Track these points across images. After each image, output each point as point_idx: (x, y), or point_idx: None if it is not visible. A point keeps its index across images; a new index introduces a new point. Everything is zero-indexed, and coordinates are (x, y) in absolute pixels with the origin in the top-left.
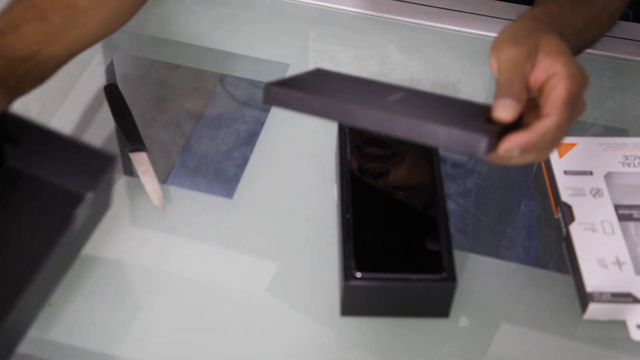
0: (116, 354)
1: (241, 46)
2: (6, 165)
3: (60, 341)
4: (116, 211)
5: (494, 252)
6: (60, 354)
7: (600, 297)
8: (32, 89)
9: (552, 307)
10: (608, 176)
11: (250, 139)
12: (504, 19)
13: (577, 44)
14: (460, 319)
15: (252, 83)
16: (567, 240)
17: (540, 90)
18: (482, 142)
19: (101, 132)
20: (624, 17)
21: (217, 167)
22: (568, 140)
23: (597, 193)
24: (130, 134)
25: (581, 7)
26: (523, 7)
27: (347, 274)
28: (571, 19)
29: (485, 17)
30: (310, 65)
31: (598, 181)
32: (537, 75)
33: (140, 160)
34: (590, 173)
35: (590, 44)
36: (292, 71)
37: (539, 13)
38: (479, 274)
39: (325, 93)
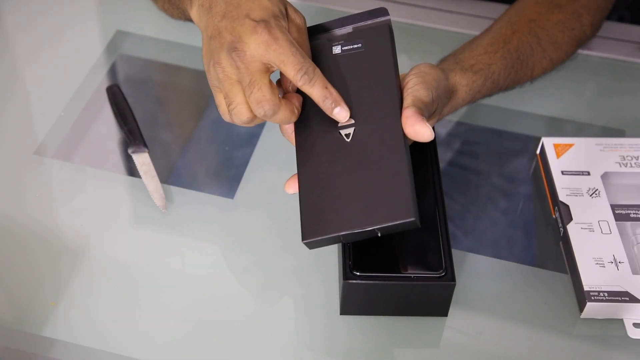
0: (118, 351)
1: None
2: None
3: (63, 340)
4: (118, 211)
5: (493, 251)
6: (62, 352)
7: (598, 296)
8: None
9: (549, 305)
10: (605, 176)
11: (250, 139)
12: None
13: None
14: (459, 317)
15: None
16: (565, 239)
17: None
18: None
19: (103, 132)
20: (621, 19)
21: (218, 167)
22: (566, 140)
23: (594, 193)
24: (132, 135)
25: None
26: None
27: (346, 273)
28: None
29: (479, 18)
30: None
31: (595, 181)
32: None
33: (142, 161)
34: (588, 173)
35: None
36: None
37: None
38: (478, 273)
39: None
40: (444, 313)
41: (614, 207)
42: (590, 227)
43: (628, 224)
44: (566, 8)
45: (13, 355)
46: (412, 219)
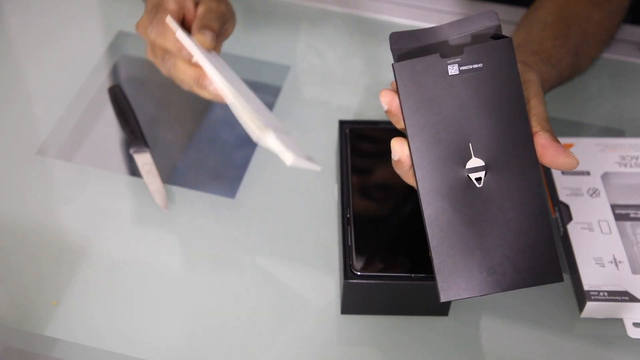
0: (119, 351)
1: (243, 48)
2: None
3: (64, 339)
4: (120, 211)
5: None
6: (63, 352)
7: (598, 296)
8: None
9: (550, 305)
10: (605, 176)
11: (251, 139)
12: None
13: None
14: (459, 317)
15: (253, 85)
16: (565, 239)
17: None
18: None
19: (105, 132)
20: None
21: (219, 167)
22: (566, 140)
23: (594, 193)
24: (133, 135)
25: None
26: (519, 10)
27: (347, 273)
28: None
29: None
30: (311, 67)
31: (595, 181)
32: None
33: (144, 161)
34: (588, 173)
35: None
36: (293, 73)
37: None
38: None
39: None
40: (445, 312)
41: (613, 207)
42: (590, 227)
43: (628, 223)
44: (604, 7)
45: (15, 354)
46: (560, 280)
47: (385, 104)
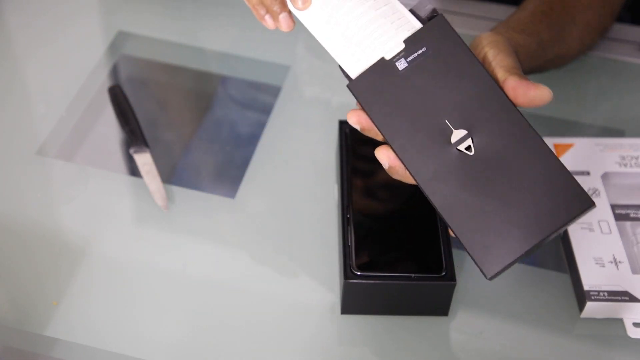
0: (119, 351)
1: (243, 48)
2: None
3: (64, 339)
4: (120, 211)
5: None
6: (63, 352)
7: (597, 296)
8: None
9: (549, 305)
10: (605, 176)
11: (251, 139)
12: (494, 19)
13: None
14: (459, 317)
15: (253, 85)
16: (565, 239)
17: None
18: None
19: (105, 132)
20: (621, 19)
21: (220, 167)
22: (566, 141)
23: (594, 193)
24: (133, 135)
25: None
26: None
27: (347, 273)
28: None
29: (477, 17)
30: (311, 67)
31: (595, 181)
32: None
33: (144, 161)
34: (588, 173)
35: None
36: (293, 73)
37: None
38: (478, 273)
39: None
40: (445, 313)
41: (614, 207)
42: (590, 227)
43: (628, 223)
44: None
45: (15, 354)
46: (593, 205)
47: (357, 124)
